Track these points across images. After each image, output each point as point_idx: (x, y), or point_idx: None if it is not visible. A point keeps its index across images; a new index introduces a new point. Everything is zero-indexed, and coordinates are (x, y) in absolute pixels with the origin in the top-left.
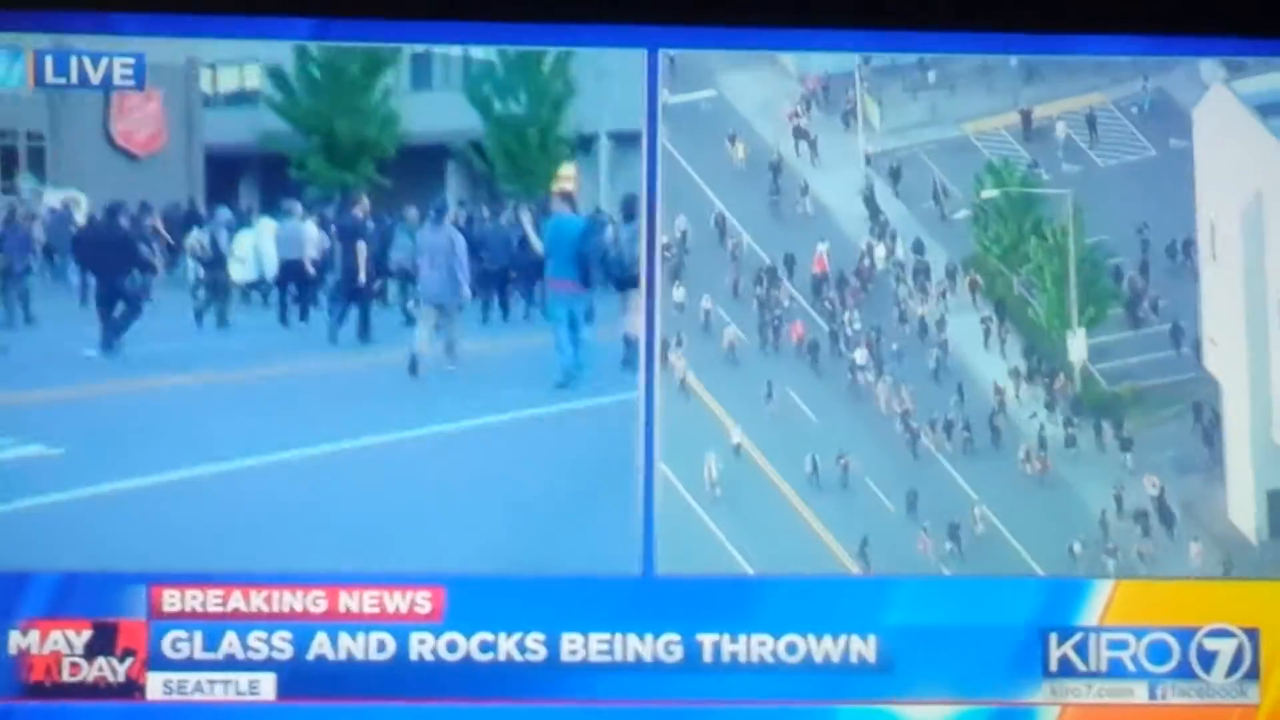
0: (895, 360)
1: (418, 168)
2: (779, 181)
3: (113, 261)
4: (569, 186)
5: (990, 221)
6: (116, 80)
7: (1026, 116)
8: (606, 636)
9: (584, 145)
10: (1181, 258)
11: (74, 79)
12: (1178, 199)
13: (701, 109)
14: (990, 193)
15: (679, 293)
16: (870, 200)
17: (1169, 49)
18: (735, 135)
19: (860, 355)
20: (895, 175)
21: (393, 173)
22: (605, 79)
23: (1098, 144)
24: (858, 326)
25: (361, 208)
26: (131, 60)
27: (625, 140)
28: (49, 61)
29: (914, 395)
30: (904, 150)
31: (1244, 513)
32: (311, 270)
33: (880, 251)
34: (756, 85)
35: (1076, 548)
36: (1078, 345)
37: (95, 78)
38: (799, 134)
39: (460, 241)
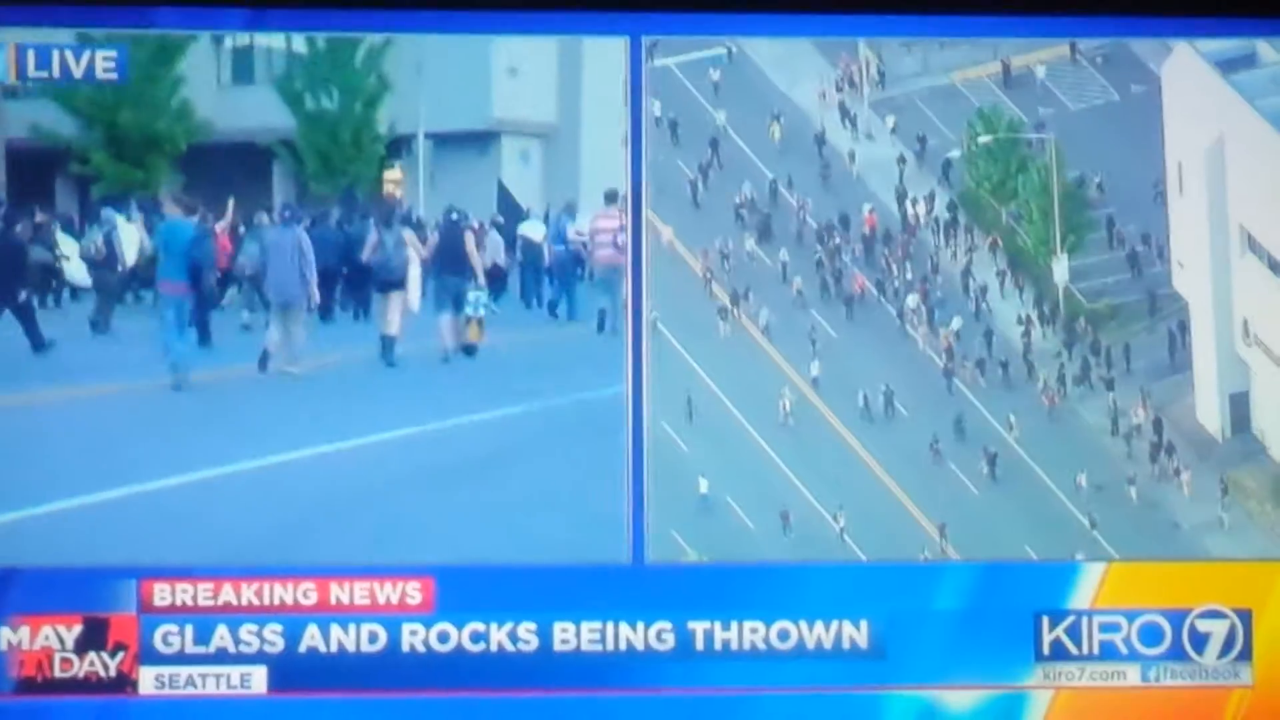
0: (939, 306)
1: (242, 166)
2: (823, 152)
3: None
4: (396, 190)
5: (980, 161)
6: (99, 74)
7: (1006, 66)
8: (598, 625)
9: (402, 146)
10: (1150, 192)
11: (56, 73)
12: (1143, 139)
13: (745, 88)
14: (985, 138)
15: (749, 243)
16: (901, 160)
17: (1144, 30)
18: (780, 114)
19: (912, 300)
20: (912, 132)
21: (216, 171)
22: (424, 75)
23: (1068, 90)
24: (909, 276)
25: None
26: (114, 53)
27: (446, 142)
28: (31, 55)
29: (952, 336)
30: (902, 98)
31: (1210, 413)
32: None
33: (920, 208)
34: (782, 52)
35: (1083, 480)
36: (1060, 269)
37: (78, 71)
38: (841, 110)
39: (307, 243)
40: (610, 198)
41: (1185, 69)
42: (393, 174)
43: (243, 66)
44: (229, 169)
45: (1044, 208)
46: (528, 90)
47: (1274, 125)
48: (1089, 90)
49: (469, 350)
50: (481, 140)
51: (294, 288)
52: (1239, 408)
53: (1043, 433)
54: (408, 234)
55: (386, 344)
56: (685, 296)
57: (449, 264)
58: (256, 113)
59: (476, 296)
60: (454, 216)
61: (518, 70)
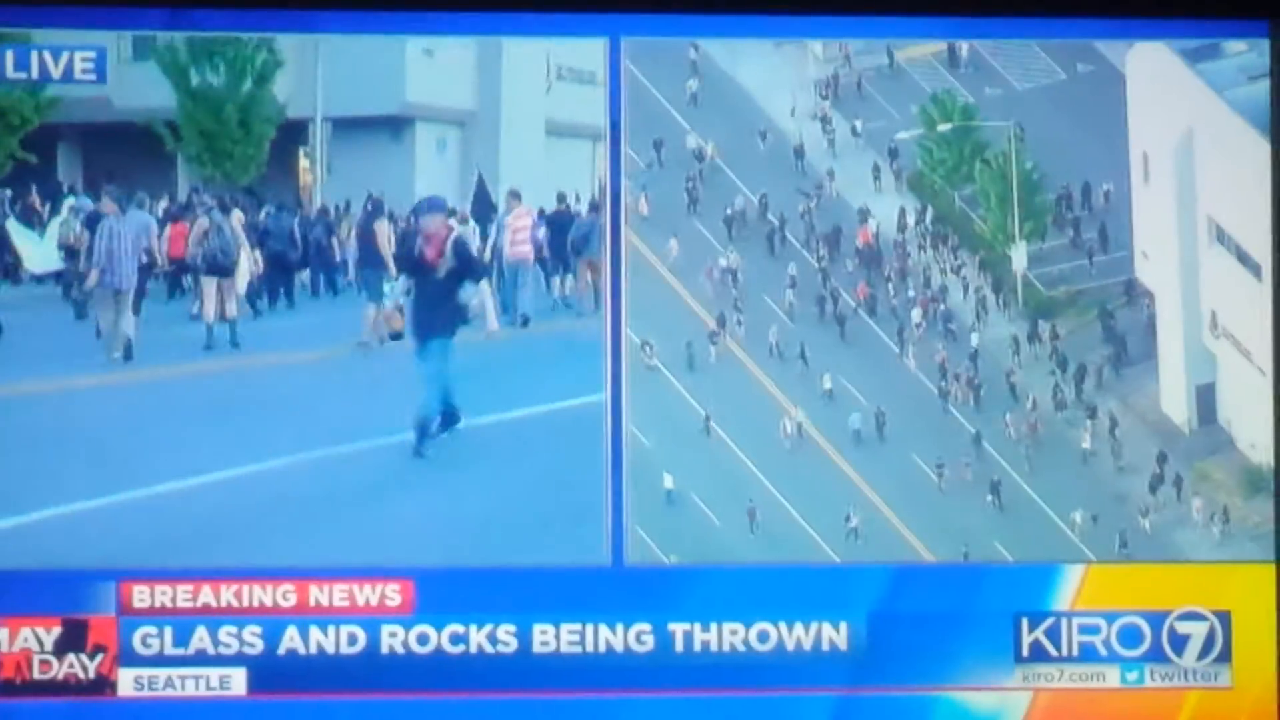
0: (940, 321)
1: (142, 147)
2: (802, 164)
3: None
4: (309, 178)
5: (934, 147)
6: (77, 74)
7: (952, 45)
8: (577, 627)
9: (300, 130)
10: (1110, 178)
11: (35, 73)
12: (1097, 122)
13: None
14: (944, 126)
15: (732, 259)
16: (876, 170)
17: (1125, 32)
18: (766, 131)
19: (916, 315)
20: (878, 128)
21: (117, 150)
22: (325, 53)
23: (1014, 70)
24: (911, 293)
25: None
26: (92, 54)
27: (350, 126)
28: (9, 55)
29: (946, 354)
30: (846, 77)
31: (1176, 405)
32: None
33: (909, 220)
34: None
35: (1078, 517)
36: (1019, 256)
37: (56, 72)
38: (823, 120)
39: (153, 228)
40: (514, 196)
41: (1150, 59)
42: (303, 164)
43: (143, 43)
44: (127, 151)
45: (1003, 195)
46: (445, 73)
47: (1243, 116)
48: (1034, 69)
49: (395, 337)
50: (393, 126)
51: (129, 276)
52: (1205, 399)
53: (1017, 434)
54: (236, 218)
55: (210, 330)
56: (672, 317)
57: (365, 255)
58: (154, 91)
59: (391, 286)
60: (369, 207)
61: (434, 52)
